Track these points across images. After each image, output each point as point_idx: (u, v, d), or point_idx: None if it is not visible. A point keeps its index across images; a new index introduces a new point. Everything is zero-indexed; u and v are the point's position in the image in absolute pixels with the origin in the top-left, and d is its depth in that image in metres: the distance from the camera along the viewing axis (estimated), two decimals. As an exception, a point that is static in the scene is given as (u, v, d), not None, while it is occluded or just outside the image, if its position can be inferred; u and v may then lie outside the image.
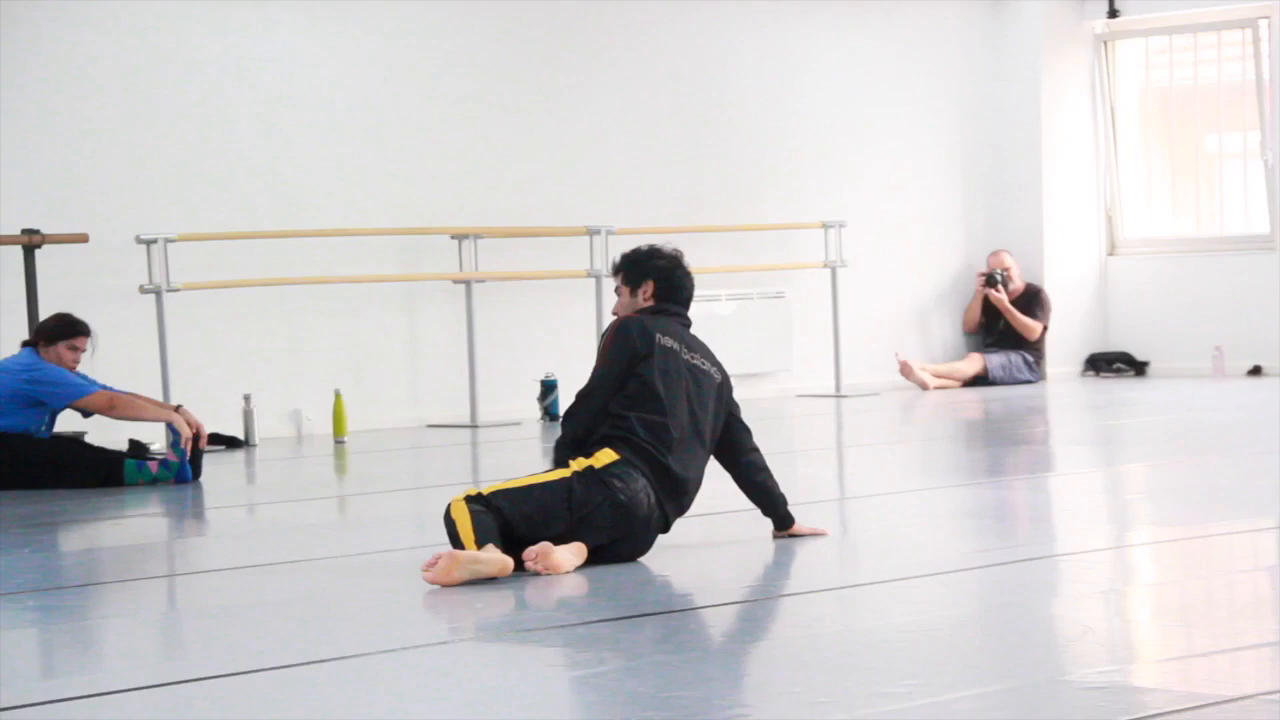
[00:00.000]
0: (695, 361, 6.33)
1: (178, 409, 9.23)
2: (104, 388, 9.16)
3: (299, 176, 11.53)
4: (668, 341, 6.27)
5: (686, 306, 6.45)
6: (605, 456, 6.10)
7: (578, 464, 6.11)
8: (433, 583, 5.72)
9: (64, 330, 9.11)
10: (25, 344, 9.21)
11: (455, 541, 5.93)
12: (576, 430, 6.25)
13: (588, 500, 6.01)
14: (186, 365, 10.78)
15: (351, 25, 11.75)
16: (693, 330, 6.47)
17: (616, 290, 6.46)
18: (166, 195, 11.05)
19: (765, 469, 6.49)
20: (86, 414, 9.24)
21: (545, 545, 5.87)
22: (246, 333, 11.31)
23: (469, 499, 6.00)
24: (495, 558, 5.80)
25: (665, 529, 6.23)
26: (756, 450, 6.49)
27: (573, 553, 5.92)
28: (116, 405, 9.10)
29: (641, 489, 6.07)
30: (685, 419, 6.23)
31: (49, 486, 8.87)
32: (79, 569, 6.84)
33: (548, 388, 11.90)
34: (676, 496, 6.22)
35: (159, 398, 10.29)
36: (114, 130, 10.95)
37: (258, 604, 5.70)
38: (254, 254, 11.17)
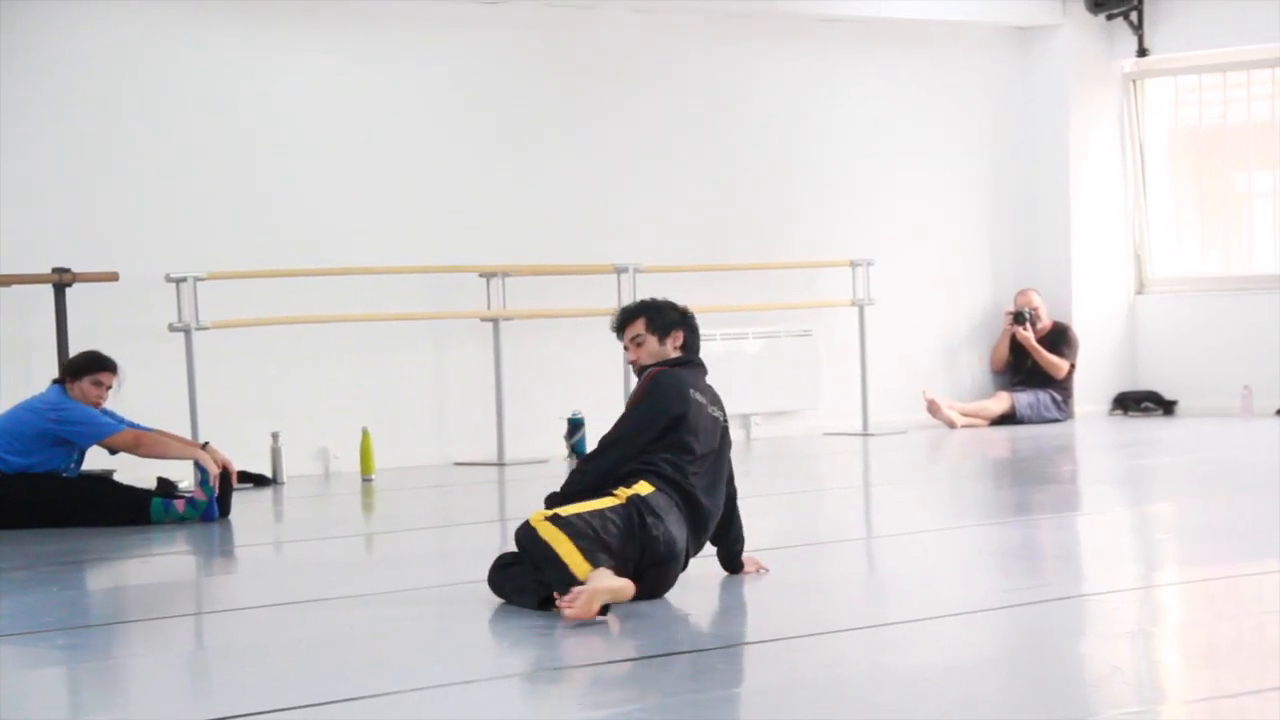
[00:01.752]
0: (714, 412, 6.45)
1: (204, 447, 9.25)
2: (131, 425, 9.18)
3: (327, 216, 11.57)
4: (699, 398, 6.38)
5: (699, 353, 6.59)
6: (644, 487, 6.14)
7: (623, 492, 6.12)
8: (575, 619, 5.61)
9: (90, 366, 9.13)
10: (55, 381, 9.24)
11: (553, 563, 5.82)
12: (591, 478, 6.24)
13: (642, 523, 6.04)
14: (215, 403, 10.80)
15: (381, 66, 11.80)
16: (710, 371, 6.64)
17: (636, 339, 6.46)
18: (196, 234, 11.09)
19: (738, 513, 6.58)
20: (113, 451, 9.27)
21: (589, 590, 5.75)
22: (275, 371, 11.34)
23: (552, 519, 5.95)
24: (626, 582, 5.80)
25: (686, 564, 6.25)
26: (735, 496, 6.57)
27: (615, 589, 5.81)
28: (143, 444, 9.12)
29: (676, 520, 6.11)
30: (710, 463, 6.34)
31: (76, 525, 8.87)
32: (107, 607, 6.85)
33: (575, 425, 11.89)
34: (700, 531, 6.29)
35: (188, 435, 10.31)
36: (144, 170, 11.01)
37: (285, 642, 5.70)
38: (282, 292, 11.20)
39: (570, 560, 5.82)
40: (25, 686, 5.21)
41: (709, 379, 6.59)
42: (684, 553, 6.18)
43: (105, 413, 9.17)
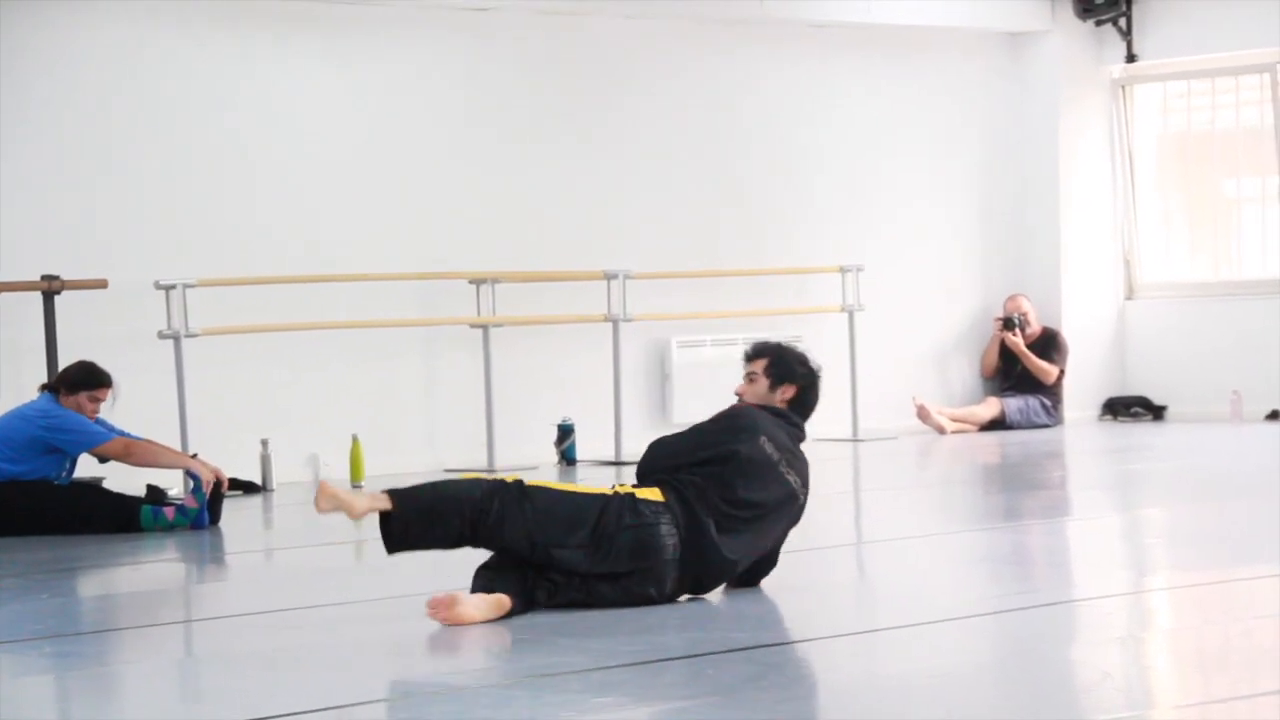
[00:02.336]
0: (789, 477, 6.25)
1: (194, 457, 9.25)
2: (121, 434, 9.17)
3: (317, 222, 11.56)
4: (769, 448, 6.20)
5: (807, 419, 6.43)
6: (650, 493, 6.07)
7: (622, 488, 6.10)
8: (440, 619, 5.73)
9: (87, 380, 9.12)
10: (44, 388, 9.23)
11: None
12: (643, 466, 6.20)
13: (613, 521, 5.97)
14: (205, 410, 10.79)
15: (371, 71, 11.79)
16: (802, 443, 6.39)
17: (750, 376, 6.38)
18: (185, 241, 11.09)
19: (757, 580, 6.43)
20: (104, 460, 9.26)
21: (454, 595, 5.79)
22: (264, 377, 11.33)
23: (511, 483, 5.96)
24: (498, 598, 5.81)
25: (671, 595, 6.09)
26: (764, 570, 6.39)
27: (487, 605, 5.79)
28: (133, 453, 9.12)
29: (667, 534, 6.01)
30: (753, 519, 6.14)
31: (66, 532, 8.85)
32: (97, 615, 6.84)
33: (565, 432, 11.89)
34: (700, 570, 6.07)
35: (177, 443, 10.30)
36: (133, 177, 11.00)
37: (275, 649, 5.70)
38: (272, 299, 11.19)
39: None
40: (15, 694, 5.20)
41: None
42: (671, 562, 6.00)
43: (97, 422, 9.16)
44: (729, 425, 6.22)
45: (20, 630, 6.16)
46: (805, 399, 6.40)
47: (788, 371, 6.36)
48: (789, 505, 6.26)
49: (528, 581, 5.95)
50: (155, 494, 9.45)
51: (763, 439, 6.18)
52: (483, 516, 5.92)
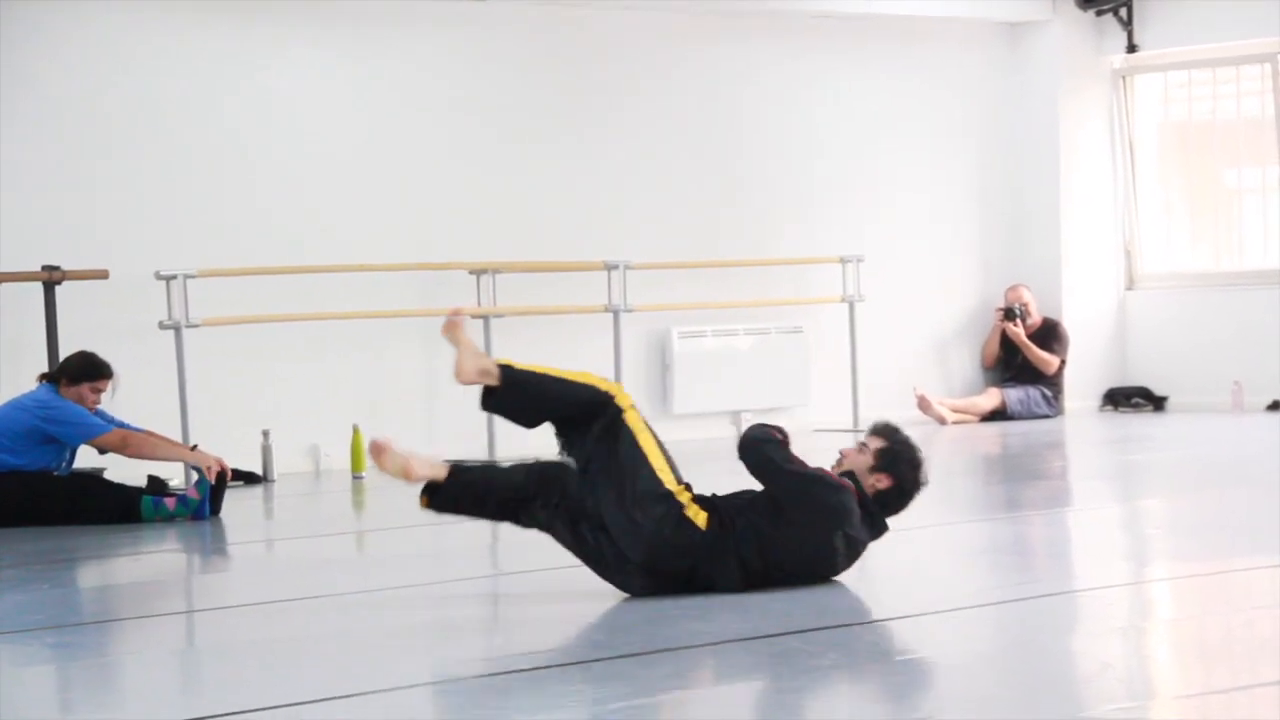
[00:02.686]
0: (838, 562, 6.19)
1: (193, 449, 9.25)
2: (120, 425, 9.17)
3: (318, 213, 11.56)
4: (839, 544, 6.12)
5: (889, 514, 6.26)
6: (697, 515, 6.02)
7: (682, 493, 6.03)
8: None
9: (88, 371, 9.12)
10: (43, 378, 9.23)
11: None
12: (761, 456, 6.12)
13: (653, 523, 5.96)
14: (205, 401, 10.80)
15: (371, 63, 11.79)
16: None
17: (862, 445, 6.26)
18: (186, 232, 11.09)
19: None
20: (103, 451, 9.26)
21: (387, 440, 6.07)
22: (265, 368, 11.33)
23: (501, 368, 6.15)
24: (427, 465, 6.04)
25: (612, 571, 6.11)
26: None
27: (426, 464, 6.06)
28: (131, 444, 9.11)
29: (680, 556, 5.98)
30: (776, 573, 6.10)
31: (67, 523, 8.86)
32: (98, 605, 6.85)
33: (566, 423, 11.89)
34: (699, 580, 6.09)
35: (178, 433, 10.31)
36: (134, 167, 11.00)
37: (276, 640, 5.70)
38: (273, 290, 11.20)
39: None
40: (16, 685, 5.21)
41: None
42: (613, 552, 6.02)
43: (97, 413, 9.16)
44: (839, 511, 6.06)
45: (21, 621, 6.16)
46: (896, 497, 6.21)
47: (892, 461, 6.19)
48: (827, 574, 6.24)
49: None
50: (156, 484, 9.47)
51: (848, 530, 6.11)
52: (520, 511, 6.14)
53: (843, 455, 6.27)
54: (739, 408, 12.85)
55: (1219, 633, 5.47)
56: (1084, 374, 14.23)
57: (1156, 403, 14.23)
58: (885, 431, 6.26)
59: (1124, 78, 14.41)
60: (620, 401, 6.11)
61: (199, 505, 8.95)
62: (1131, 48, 14.17)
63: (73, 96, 10.84)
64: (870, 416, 13.13)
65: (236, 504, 9.46)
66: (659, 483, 6.01)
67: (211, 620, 6.28)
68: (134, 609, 6.57)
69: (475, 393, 11.72)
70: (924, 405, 13.53)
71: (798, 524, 6.04)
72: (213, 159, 11.24)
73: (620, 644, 5.38)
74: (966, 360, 14.22)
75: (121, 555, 8.08)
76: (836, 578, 6.21)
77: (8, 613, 6.37)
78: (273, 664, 5.35)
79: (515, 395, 6.19)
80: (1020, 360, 13.92)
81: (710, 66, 13.06)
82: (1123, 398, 14.32)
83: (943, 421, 13.47)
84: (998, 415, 13.70)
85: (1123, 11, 14.10)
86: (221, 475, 9.04)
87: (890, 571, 6.91)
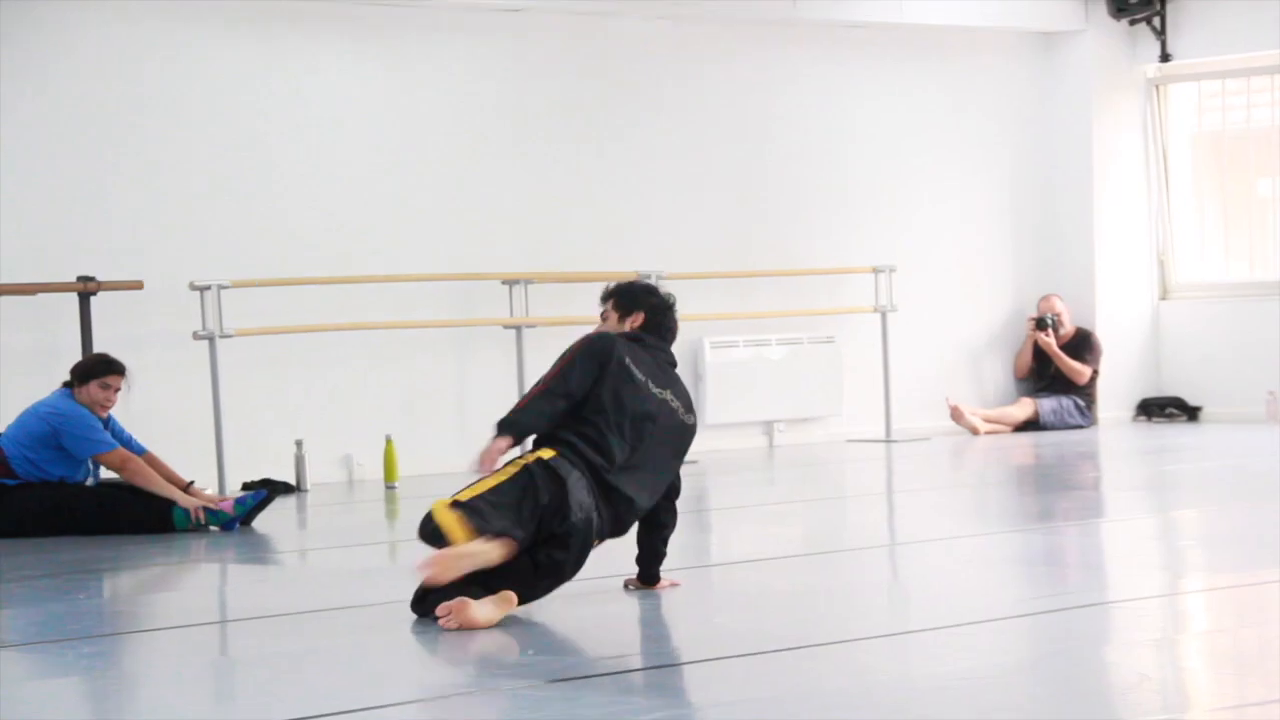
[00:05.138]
0: (664, 396, 6.44)
1: (190, 485, 9.18)
2: (128, 443, 9.11)
3: (351, 223, 11.59)
4: (631, 368, 6.39)
5: (669, 343, 6.63)
6: (546, 452, 6.24)
7: (529, 458, 6.26)
8: (429, 579, 5.91)
9: (97, 369, 9.08)
10: (64, 385, 9.19)
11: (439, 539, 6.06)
12: (526, 421, 6.33)
13: (549, 486, 6.12)
14: (239, 411, 10.83)
15: (403, 73, 11.82)
16: (675, 368, 6.60)
17: (603, 315, 6.66)
18: (220, 243, 11.12)
19: (668, 534, 6.52)
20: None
21: (461, 600, 5.87)
22: (299, 378, 11.36)
23: (452, 505, 6.11)
24: (492, 547, 5.94)
25: (597, 539, 6.25)
26: (673, 512, 6.52)
27: (494, 605, 5.91)
28: (128, 469, 9.03)
29: (583, 487, 6.16)
30: (631, 440, 6.31)
31: (100, 532, 8.88)
32: (131, 615, 6.86)
33: (598, 433, 11.89)
34: (617, 512, 6.27)
35: (212, 443, 10.36)
36: (169, 179, 11.04)
37: (309, 650, 5.71)
38: (306, 300, 11.23)
39: (451, 531, 6.02)
40: (50, 695, 5.22)
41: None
42: (592, 523, 6.17)
43: (109, 421, 9.13)
44: (581, 349, 6.38)
45: (57, 630, 6.18)
46: (656, 323, 6.61)
47: (630, 301, 6.62)
48: (674, 430, 6.42)
49: (523, 568, 6.06)
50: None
51: (626, 358, 6.38)
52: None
53: (594, 336, 6.53)
54: (771, 418, 12.84)
55: (1255, 645, 5.45)
56: (1117, 384, 14.19)
57: (1190, 413, 14.18)
58: (608, 291, 6.69)
59: (1157, 87, 14.37)
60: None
61: (230, 520, 8.95)
62: (1165, 57, 14.13)
63: (109, 110, 10.88)
64: (903, 427, 13.20)
65: (270, 514, 9.47)
66: (515, 477, 6.22)
67: (245, 630, 6.29)
68: (168, 619, 6.58)
69: (511, 401, 11.74)
70: (957, 415, 13.51)
71: (582, 381, 6.30)
72: (247, 170, 11.28)
73: (654, 654, 5.38)
74: (999, 370, 14.20)
75: (155, 565, 8.10)
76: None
77: (45, 622, 6.40)
78: (305, 674, 5.35)
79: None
80: (1053, 370, 13.89)
81: (743, 76, 13.06)
82: (1156, 408, 14.27)
83: (975, 432, 13.44)
84: (1031, 425, 13.67)
85: (1156, 21, 14.07)
86: (267, 497, 9.07)
87: (925, 582, 6.90)
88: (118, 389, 9.12)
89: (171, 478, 9.18)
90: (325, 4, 11.50)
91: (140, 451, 9.19)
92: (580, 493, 6.15)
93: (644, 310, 6.61)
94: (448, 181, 11.92)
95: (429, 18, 11.85)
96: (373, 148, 11.70)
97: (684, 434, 6.46)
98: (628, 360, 6.39)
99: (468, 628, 5.80)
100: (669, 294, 6.70)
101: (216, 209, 11.17)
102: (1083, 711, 4.60)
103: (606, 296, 6.71)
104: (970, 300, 14.01)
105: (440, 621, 5.85)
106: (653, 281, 11.91)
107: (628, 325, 6.60)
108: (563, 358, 6.40)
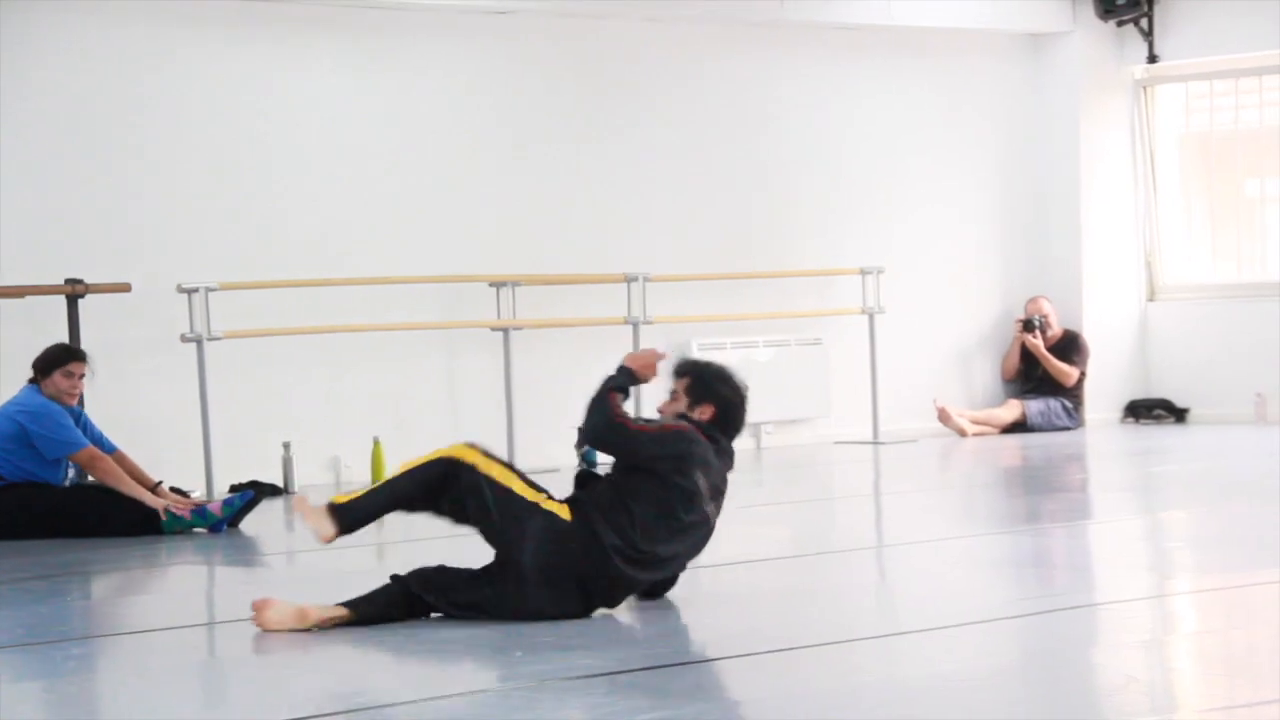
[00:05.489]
0: (709, 509, 6.17)
1: (158, 485, 9.15)
2: (99, 441, 9.08)
3: (339, 226, 11.59)
4: (699, 484, 6.09)
5: (732, 439, 6.29)
6: (563, 510, 6.05)
7: (547, 503, 6.07)
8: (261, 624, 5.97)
9: (58, 358, 9.01)
10: (30, 381, 9.12)
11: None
12: (599, 416, 6.21)
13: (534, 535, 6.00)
14: (227, 413, 10.82)
15: (392, 74, 11.81)
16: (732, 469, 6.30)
17: (672, 394, 6.30)
18: (208, 245, 11.12)
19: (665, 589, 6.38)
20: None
21: (266, 599, 6.00)
22: (286, 380, 11.35)
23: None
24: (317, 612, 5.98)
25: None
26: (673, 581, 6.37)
27: (290, 615, 5.96)
28: (96, 468, 8.96)
29: (537, 541, 5.98)
30: (659, 542, 6.07)
31: (88, 535, 8.85)
32: (122, 616, 6.86)
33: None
34: (613, 585, 6.06)
35: (199, 445, 10.34)
36: (156, 181, 11.03)
37: (299, 651, 5.71)
38: (294, 302, 11.22)
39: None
40: (44, 696, 5.22)
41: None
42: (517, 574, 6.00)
43: (81, 416, 9.08)
44: (677, 451, 6.08)
45: (47, 632, 6.18)
46: (727, 419, 6.26)
47: (704, 389, 6.26)
48: (702, 533, 6.19)
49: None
50: (179, 496, 9.47)
51: (698, 479, 6.08)
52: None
53: (662, 411, 6.31)
54: (758, 419, 12.83)
55: (1243, 646, 5.46)
56: (1105, 386, 14.21)
57: (1178, 415, 14.20)
58: (684, 368, 6.34)
59: (1145, 88, 14.39)
60: (465, 459, 6.16)
61: (217, 521, 8.93)
62: (1152, 58, 14.16)
63: (97, 111, 10.87)
64: (890, 429, 13.21)
65: (258, 516, 9.47)
66: (523, 500, 6.04)
67: (234, 632, 6.29)
68: (158, 620, 6.57)
69: (499, 403, 11.64)
70: (944, 417, 13.52)
71: (648, 471, 6.04)
72: (235, 172, 11.27)
73: (644, 656, 5.38)
74: (987, 372, 14.21)
75: (145, 567, 8.10)
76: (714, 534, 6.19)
77: (35, 624, 6.39)
78: (294, 676, 5.35)
79: (366, 521, 6.32)
80: (1040, 372, 13.91)
81: (732, 78, 13.06)
82: (1144, 409, 14.29)
83: (963, 433, 13.45)
84: (1018, 427, 13.68)
85: (1143, 22, 14.09)
86: (254, 499, 9.04)
87: (913, 584, 6.90)
88: (82, 375, 9.03)
89: (140, 477, 9.15)
90: (316, 7, 11.49)
91: (110, 450, 9.16)
92: (529, 542, 5.99)
93: (715, 404, 6.23)
94: (435, 184, 11.92)
95: (419, 20, 11.85)
96: (362, 150, 11.70)
97: (707, 538, 6.26)
98: (699, 479, 6.09)
99: (262, 627, 5.93)
100: (743, 384, 6.33)
101: (204, 212, 11.16)
102: (1070, 713, 4.61)
103: (680, 374, 6.32)
104: (958, 302, 14.02)
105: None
106: (639, 283, 11.98)
107: (695, 414, 6.22)
108: (662, 425, 6.14)
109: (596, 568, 5.99)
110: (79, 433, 9.01)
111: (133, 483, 9.04)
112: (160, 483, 9.22)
